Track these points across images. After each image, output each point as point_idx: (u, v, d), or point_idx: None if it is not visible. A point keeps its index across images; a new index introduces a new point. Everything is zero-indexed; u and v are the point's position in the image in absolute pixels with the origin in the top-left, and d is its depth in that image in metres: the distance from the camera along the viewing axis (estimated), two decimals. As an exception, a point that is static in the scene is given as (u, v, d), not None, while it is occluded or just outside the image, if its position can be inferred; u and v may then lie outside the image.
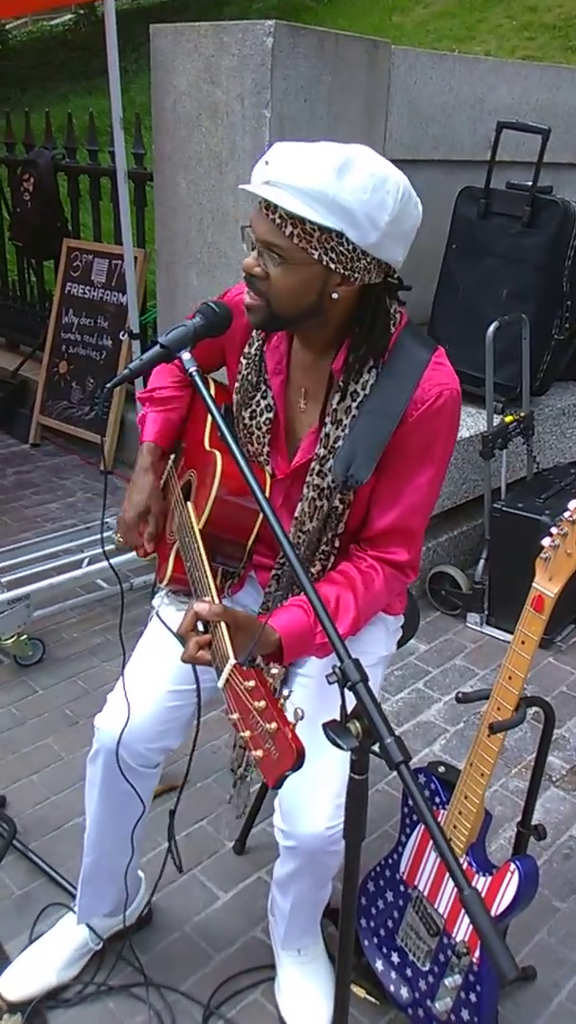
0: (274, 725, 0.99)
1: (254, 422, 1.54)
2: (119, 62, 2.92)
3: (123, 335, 3.84)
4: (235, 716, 1.05)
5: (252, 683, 1.05)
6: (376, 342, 1.41)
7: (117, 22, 2.90)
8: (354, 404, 1.42)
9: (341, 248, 1.28)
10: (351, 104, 3.08)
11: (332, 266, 1.30)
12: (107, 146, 4.07)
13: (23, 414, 4.59)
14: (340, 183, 1.24)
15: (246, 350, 1.55)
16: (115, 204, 3.35)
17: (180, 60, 3.00)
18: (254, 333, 1.53)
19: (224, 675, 1.10)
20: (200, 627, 1.24)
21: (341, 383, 1.42)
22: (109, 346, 4.17)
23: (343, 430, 1.43)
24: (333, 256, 1.29)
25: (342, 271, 1.30)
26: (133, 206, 3.87)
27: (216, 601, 1.24)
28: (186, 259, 3.25)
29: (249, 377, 1.54)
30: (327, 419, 1.44)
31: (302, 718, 0.99)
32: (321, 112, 2.95)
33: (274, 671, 1.08)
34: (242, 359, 1.55)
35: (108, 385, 1.33)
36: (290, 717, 1.00)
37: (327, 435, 1.44)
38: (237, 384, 1.56)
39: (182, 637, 1.25)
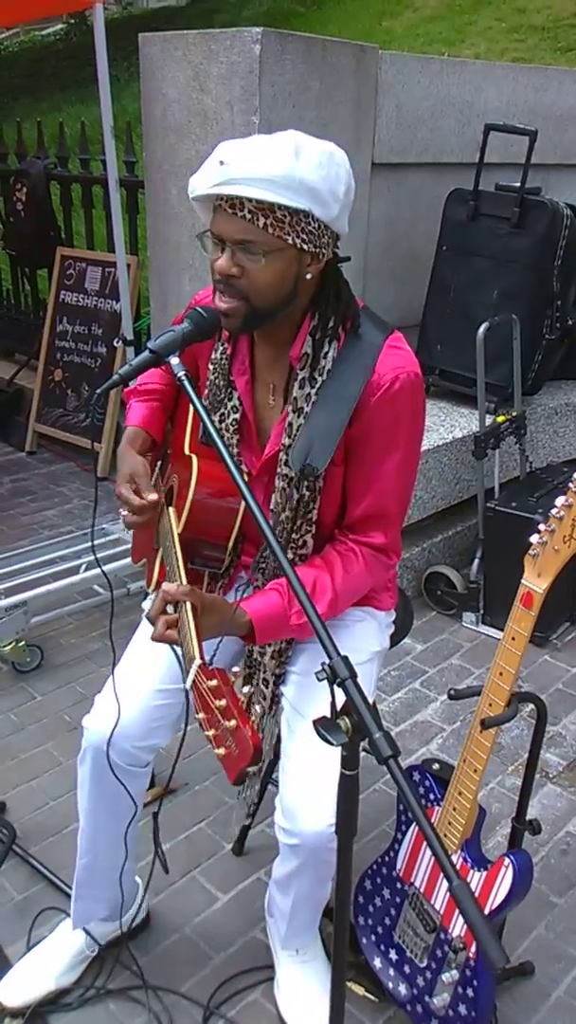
0: (233, 722, 1.00)
1: (223, 424, 1.57)
2: (109, 71, 2.95)
3: (117, 342, 3.84)
4: (201, 715, 1.07)
5: (215, 682, 1.06)
6: (346, 308, 1.45)
7: (107, 31, 2.93)
8: (313, 391, 1.45)
9: (311, 227, 1.34)
10: (339, 109, 3.10)
11: (305, 247, 1.35)
12: (99, 154, 4.08)
13: (19, 422, 4.61)
14: (301, 164, 1.30)
15: (213, 356, 1.58)
16: (107, 212, 3.37)
17: (169, 68, 3.02)
18: (218, 338, 1.56)
19: (191, 675, 1.12)
20: (170, 610, 1.27)
21: (300, 370, 1.45)
22: (104, 353, 4.19)
23: (304, 418, 1.46)
24: (304, 237, 1.34)
25: (313, 250, 1.36)
26: (125, 214, 3.89)
27: (183, 583, 1.26)
28: (178, 265, 3.26)
29: (217, 382, 1.57)
30: (289, 408, 1.47)
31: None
32: (309, 118, 2.97)
33: (235, 668, 1.09)
34: (210, 365, 1.58)
35: (98, 390, 1.35)
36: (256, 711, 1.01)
37: (290, 424, 1.47)
38: (206, 391, 1.59)
39: (152, 620, 1.27)
